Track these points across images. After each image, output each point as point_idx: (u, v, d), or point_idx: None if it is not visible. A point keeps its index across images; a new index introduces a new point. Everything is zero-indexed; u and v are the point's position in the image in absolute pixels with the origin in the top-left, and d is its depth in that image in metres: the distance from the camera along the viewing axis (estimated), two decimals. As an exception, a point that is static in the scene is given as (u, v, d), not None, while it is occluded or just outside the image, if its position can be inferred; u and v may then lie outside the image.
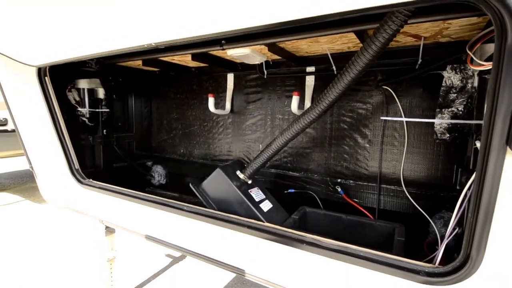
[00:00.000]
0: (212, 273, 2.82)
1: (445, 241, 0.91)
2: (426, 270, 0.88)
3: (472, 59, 0.95)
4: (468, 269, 0.81)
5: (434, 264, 0.92)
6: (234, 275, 2.79)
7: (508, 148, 0.67)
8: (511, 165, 0.68)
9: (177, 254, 3.16)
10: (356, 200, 1.72)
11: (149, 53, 1.63)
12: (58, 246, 3.32)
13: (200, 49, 1.46)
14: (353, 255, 0.98)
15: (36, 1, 1.13)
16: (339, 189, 1.74)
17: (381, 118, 1.60)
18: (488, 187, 0.72)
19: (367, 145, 1.69)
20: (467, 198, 0.85)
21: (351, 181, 1.75)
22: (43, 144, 1.92)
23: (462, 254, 0.83)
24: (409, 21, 0.89)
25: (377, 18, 0.96)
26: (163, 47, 1.20)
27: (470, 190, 0.83)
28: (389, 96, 1.58)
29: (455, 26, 1.13)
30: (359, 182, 1.73)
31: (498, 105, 0.66)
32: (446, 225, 1.26)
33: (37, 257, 3.07)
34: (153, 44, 1.17)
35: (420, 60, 1.38)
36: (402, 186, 1.57)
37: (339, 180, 1.79)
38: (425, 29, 1.19)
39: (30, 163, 2.09)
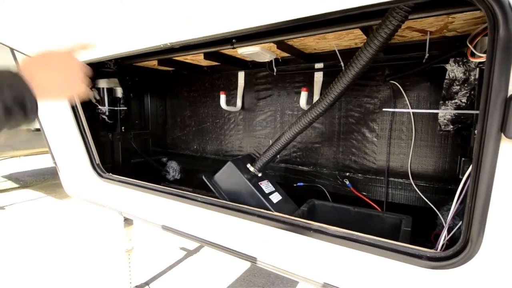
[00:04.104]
0: (224, 266, 2.90)
1: (447, 225, 0.95)
2: (428, 255, 0.92)
3: (472, 52, 0.98)
4: (468, 252, 0.85)
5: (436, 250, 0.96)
6: (245, 268, 2.86)
7: (502, 135, 0.71)
8: (506, 150, 0.72)
9: (191, 247, 3.27)
10: (364, 193, 1.76)
11: (164, 53, 1.71)
12: (80, 238, 3.49)
13: (212, 48, 1.53)
14: (358, 241, 1.02)
15: (60, 5, 1.23)
16: (348, 183, 1.78)
17: (383, 109, 1.63)
18: (485, 172, 0.75)
19: (375, 139, 1.73)
20: (467, 185, 0.88)
21: (360, 174, 1.79)
22: (66, 141, 2.04)
23: (462, 239, 0.86)
24: (410, 17, 0.93)
25: (380, 14, 1.00)
26: (178, 46, 1.28)
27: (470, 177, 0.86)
28: (396, 90, 1.61)
29: (460, 20, 1.15)
30: (367, 176, 1.76)
31: (492, 94, 0.70)
32: (453, 217, 1.28)
33: (60, 248, 3.24)
34: (169, 44, 1.25)
35: (427, 55, 1.40)
36: (410, 179, 1.60)
37: (347, 174, 1.82)
38: (430, 24, 1.22)
39: (54, 159, 2.23)
